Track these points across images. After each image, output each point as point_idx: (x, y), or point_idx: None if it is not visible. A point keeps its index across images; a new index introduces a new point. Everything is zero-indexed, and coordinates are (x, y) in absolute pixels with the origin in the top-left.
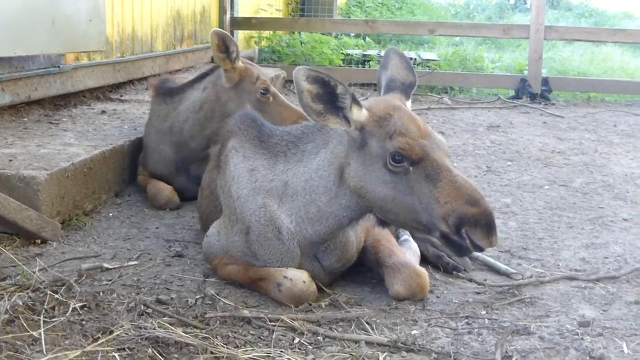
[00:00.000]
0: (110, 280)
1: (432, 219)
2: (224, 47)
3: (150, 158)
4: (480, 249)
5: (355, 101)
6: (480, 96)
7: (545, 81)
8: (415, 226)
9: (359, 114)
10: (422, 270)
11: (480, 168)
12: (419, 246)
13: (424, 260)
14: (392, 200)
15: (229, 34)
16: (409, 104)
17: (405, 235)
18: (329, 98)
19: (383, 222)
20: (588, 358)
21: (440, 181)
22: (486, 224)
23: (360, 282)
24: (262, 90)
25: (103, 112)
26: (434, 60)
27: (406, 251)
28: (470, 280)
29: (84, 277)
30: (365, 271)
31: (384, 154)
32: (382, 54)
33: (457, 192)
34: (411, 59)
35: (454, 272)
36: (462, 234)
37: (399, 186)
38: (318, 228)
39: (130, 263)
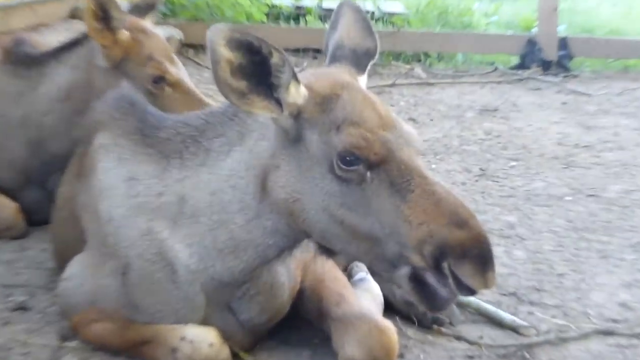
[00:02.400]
0: None
1: (399, 248)
2: (102, 13)
3: None
4: (471, 292)
5: (295, 76)
6: (468, 66)
7: (563, 43)
8: (374, 260)
9: (296, 95)
10: (387, 324)
11: (469, 171)
12: (381, 288)
13: (389, 308)
14: (339, 221)
15: None
16: (363, 79)
17: (362, 273)
18: (257, 71)
19: (328, 251)
20: None
21: (412, 192)
22: (479, 255)
23: (296, 344)
24: (153, 78)
25: None
26: (400, 13)
27: (363, 295)
28: (459, 339)
29: None
30: (303, 326)
31: (328, 154)
32: (323, 5)
33: (436, 208)
34: (367, 11)
35: (435, 326)
36: (443, 270)
37: (350, 200)
38: (232, 264)
39: None
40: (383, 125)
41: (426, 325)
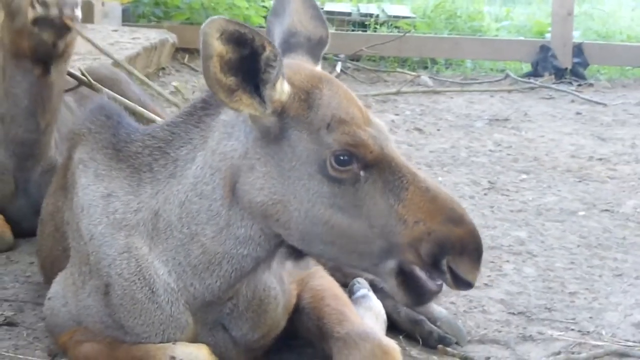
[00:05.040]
0: None
1: (387, 246)
2: None
3: None
4: (468, 286)
5: (283, 72)
6: (478, 73)
7: (578, 50)
8: (356, 259)
9: (281, 91)
10: (391, 343)
11: (478, 184)
12: (384, 305)
13: (392, 327)
14: (326, 223)
15: None
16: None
17: (363, 289)
18: (247, 66)
19: (298, 254)
20: None
21: (406, 190)
22: (476, 250)
23: None
24: None
25: None
26: (407, 17)
27: (365, 314)
28: (467, 359)
29: None
30: (302, 346)
31: (319, 153)
32: (325, 7)
33: (432, 206)
34: (371, 15)
35: (440, 345)
36: (441, 267)
37: (340, 201)
38: (209, 281)
39: None
40: (365, 121)
41: (431, 344)
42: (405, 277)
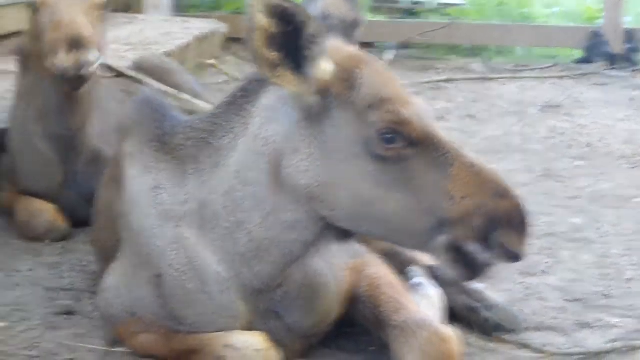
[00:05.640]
0: None
1: (439, 224)
2: None
3: (20, 163)
4: (517, 258)
5: (325, 50)
6: (529, 60)
7: (630, 35)
8: (404, 237)
9: (325, 69)
10: (449, 332)
11: (532, 171)
12: (441, 294)
13: (449, 314)
14: (374, 202)
15: None
16: None
17: (419, 277)
18: (290, 42)
19: (345, 235)
20: None
21: (451, 166)
22: (523, 222)
23: (352, 351)
24: (32, 5)
25: None
26: (457, 4)
27: (422, 301)
28: (522, 346)
29: None
30: (358, 333)
31: (363, 133)
32: None
33: (478, 180)
34: (420, 2)
35: (496, 332)
36: (491, 241)
37: (387, 180)
38: (258, 268)
39: None
40: (406, 99)
41: (487, 332)
42: (456, 252)
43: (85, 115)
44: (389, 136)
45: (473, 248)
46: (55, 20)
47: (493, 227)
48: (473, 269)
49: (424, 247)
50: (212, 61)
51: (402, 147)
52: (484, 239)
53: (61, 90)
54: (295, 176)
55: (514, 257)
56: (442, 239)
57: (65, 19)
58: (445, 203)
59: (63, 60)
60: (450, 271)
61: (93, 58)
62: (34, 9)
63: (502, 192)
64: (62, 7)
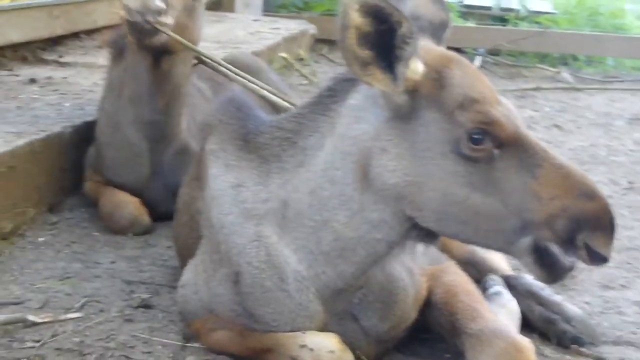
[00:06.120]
0: (38, 341)
1: (525, 225)
2: None
3: (107, 154)
4: (603, 260)
5: (417, 50)
6: (619, 71)
7: None
8: (490, 238)
9: (415, 69)
10: (525, 342)
11: (617, 184)
12: (518, 303)
13: (526, 325)
14: (461, 202)
15: None
16: None
17: (497, 286)
18: (382, 41)
19: (431, 236)
20: None
21: (540, 167)
22: (610, 224)
23: (426, 357)
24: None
25: (32, 80)
26: (548, 13)
27: (499, 311)
28: None
29: None
30: (433, 339)
31: (453, 132)
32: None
33: (566, 182)
34: (511, 9)
35: (574, 345)
36: (577, 243)
37: (475, 180)
38: (342, 268)
39: (69, 316)
40: (497, 100)
41: (565, 344)
42: (540, 253)
43: (174, 102)
44: (478, 136)
45: (558, 249)
46: None
47: (579, 229)
48: (555, 270)
49: (507, 248)
50: (283, 54)
51: (491, 148)
52: (570, 240)
53: (150, 69)
54: (383, 175)
55: (600, 259)
56: (526, 240)
57: None
58: (532, 204)
59: (128, 10)
60: (532, 272)
61: (159, 4)
62: None
63: (589, 194)
64: None
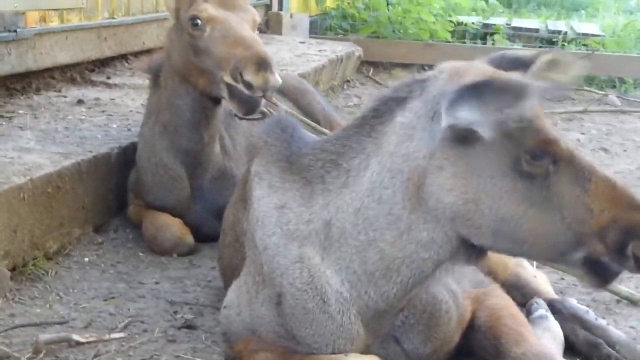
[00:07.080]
0: None
1: (579, 239)
2: None
3: (146, 178)
4: None
5: None
6: None
7: None
8: (544, 254)
9: None
10: None
11: None
12: (562, 327)
13: (570, 349)
14: (519, 218)
15: None
16: None
17: (541, 310)
18: None
19: (480, 253)
20: None
21: (589, 181)
22: None
23: None
24: (191, 21)
25: (80, 101)
26: (596, 35)
27: (542, 335)
28: None
29: (42, 355)
30: None
31: (513, 151)
32: (512, 23)
33: (614, 194)
34: (559, 32)
35: None
36: (627, 253)
37: (532, 196)
38: (385, 288)
39: (113, 336)
40: (545, 118)
41: None
42: (592, 264)
43: (217, 127)
44: (539, 154)
45: (609, 260)
46: (233, 37)
47: (628, 239)
48: (605, 276)
49: (560, 260)
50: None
51: (548, 164)
52: (620, 250)
53: (200, 106)
54: (439, 194)
55: None
56: (579, 254)
57: (247, 37)
58: (585, 217)
59: (251, 79)
60: (582, 280)
61: (277, 81)
62: (193, 25)
63: (636, 205)
64: (233, 23)
